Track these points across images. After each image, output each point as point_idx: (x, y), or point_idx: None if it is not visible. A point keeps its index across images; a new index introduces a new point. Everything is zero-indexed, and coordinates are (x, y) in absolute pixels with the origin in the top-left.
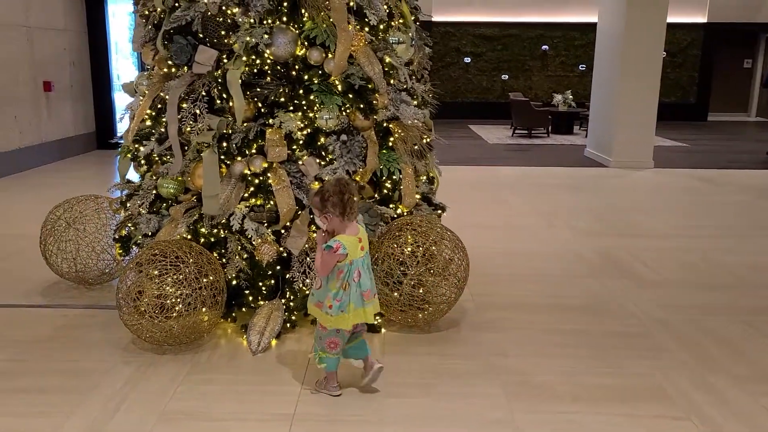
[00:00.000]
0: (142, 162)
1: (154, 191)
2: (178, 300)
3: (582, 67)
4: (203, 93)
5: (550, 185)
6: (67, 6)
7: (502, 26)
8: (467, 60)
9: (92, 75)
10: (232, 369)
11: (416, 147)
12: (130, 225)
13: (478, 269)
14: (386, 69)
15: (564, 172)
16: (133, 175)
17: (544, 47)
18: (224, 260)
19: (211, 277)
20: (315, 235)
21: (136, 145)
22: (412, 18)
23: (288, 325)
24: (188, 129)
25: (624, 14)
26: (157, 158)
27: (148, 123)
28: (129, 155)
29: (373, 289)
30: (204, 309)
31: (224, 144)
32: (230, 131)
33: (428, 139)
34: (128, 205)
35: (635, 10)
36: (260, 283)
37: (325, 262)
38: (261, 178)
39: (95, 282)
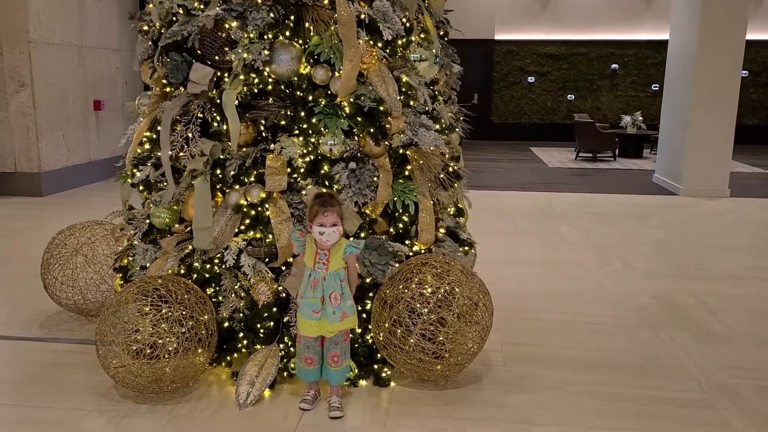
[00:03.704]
0: (141, 188)
1: (148, 220)
2: (161, 342)
3: (655, 86)
4: (198, 115)
5: (610, 214)
6: (121, 26)
7: (569, 44)
8: (531, 79)
9: None
10: (214, 425)
11: (441, 176)
12: (130, 255)
13: (514, 313)
14: (404, 89)
15: (628, 200)
16: (138, 201)
17: (614, 66)
18: (220, 298)
19: (201, 318)
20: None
21: (134, 170)
22: (440, 33)
23: (285, 373)
24: (181, 154)
25: (697, 31)
26: (154, 184)
27: (147, 146)
28: (128, 180)
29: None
30: (186, 354)
31: (219, 171)
32: (227, 157)
33: (456, 167)
34: (127, 233)
35: (710, 27)
36: (258, 326)
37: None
38: (259, 209)
39: (96, 313)
